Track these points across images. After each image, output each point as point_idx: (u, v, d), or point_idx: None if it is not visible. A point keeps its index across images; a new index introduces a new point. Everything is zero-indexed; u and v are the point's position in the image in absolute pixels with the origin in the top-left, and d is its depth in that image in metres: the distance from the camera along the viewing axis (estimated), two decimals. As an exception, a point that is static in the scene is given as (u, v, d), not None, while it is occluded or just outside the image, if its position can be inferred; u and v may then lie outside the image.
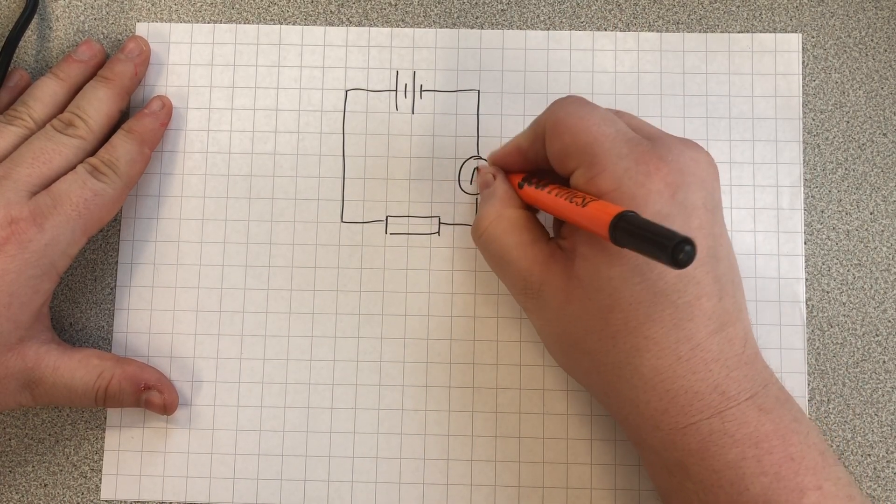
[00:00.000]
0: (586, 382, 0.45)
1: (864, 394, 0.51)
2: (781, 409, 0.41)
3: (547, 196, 0.44)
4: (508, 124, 0.53)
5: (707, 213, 0.41)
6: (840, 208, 0.53)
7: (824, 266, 0.52)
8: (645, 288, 0.40)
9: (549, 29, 0.54)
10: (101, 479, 0.51)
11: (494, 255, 0.46)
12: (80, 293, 0.53)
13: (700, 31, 0.54)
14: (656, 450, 0.42)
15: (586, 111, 0.43)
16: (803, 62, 0.54)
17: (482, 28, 0.54)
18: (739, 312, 0.42)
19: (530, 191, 0.46)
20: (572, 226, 0.44)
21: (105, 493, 0.51)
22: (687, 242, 0.33)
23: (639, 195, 0.40)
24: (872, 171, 0.53)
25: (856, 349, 0.51)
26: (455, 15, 0.55)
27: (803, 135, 0.53)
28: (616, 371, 0.42)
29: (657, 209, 0.40)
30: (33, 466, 0.51)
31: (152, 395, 0.49)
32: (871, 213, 0.52)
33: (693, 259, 0.34)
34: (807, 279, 0.52)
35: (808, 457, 0.40)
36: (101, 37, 0.55)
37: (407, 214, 0.53)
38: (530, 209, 0.47)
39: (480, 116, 0.53)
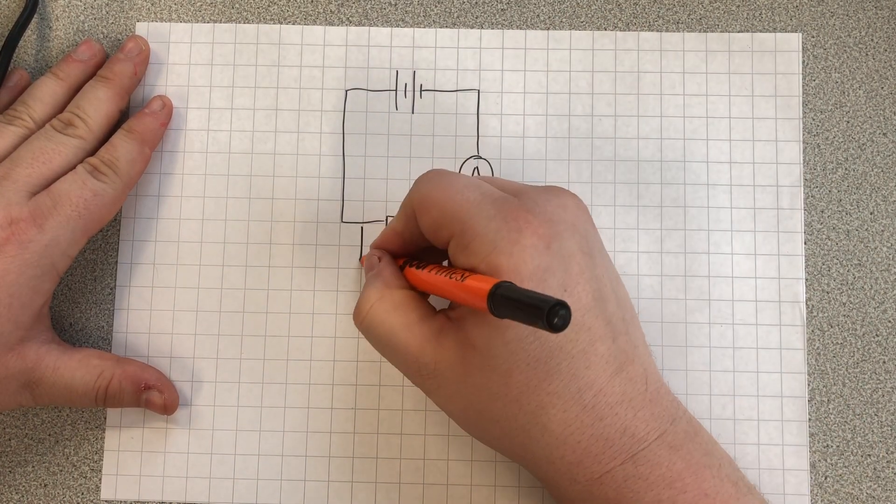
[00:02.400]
0: (501, 448, 0.44)
1: (864, 394, 0.51)
2: (691, 444, 0.41)
3: (427, 275, 0.44)
4: (508, 124, 0.53)
5: (585, 257, 0.41)
6: (840, 208, 0.52)
7: (824, 266, 0.52)
8: (539, 345, 0.40)
9: (548, 28, 0.54)
10: (100, 480, 0.51)
11: (381, 339, 0.44)
12: (80, 293, 0.53)
13: (700, 31, 0.54)
14: (575, 502, 0.42)
15: (448, 181, 0.43)
16: (803, 62, 0.54)
17: (482, 28, 0.54)
18: (636, 349, 0.42)
19: (412, 272, 0.46)
20: None
21: (105, 494, 0.51)
22: (561, 306, 0.34)
23: (515, 252, 0.39)
24: (872, 170, 0.53)
25: (856, 349, 0.51)
26: (455, 14, 0.55)
27: (803, 135, 0.53)
28: (526, 433, 0.41)
29: (535, 264, 0.40)
30: (33, 466, 0.51)
31: (152, 395, 0.49)
32: (871, 213, 0.52)
33: (569, 322, 0.34)
34: (807, 279, 0.52)
35: (721, 490, 0.40)
36: (101, 36, 0.55)
37: (407, 214, 0.53)
38: (416, 290, 0.46)
39: (480, 116, 0.53)
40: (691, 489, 0.40)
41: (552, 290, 0.40)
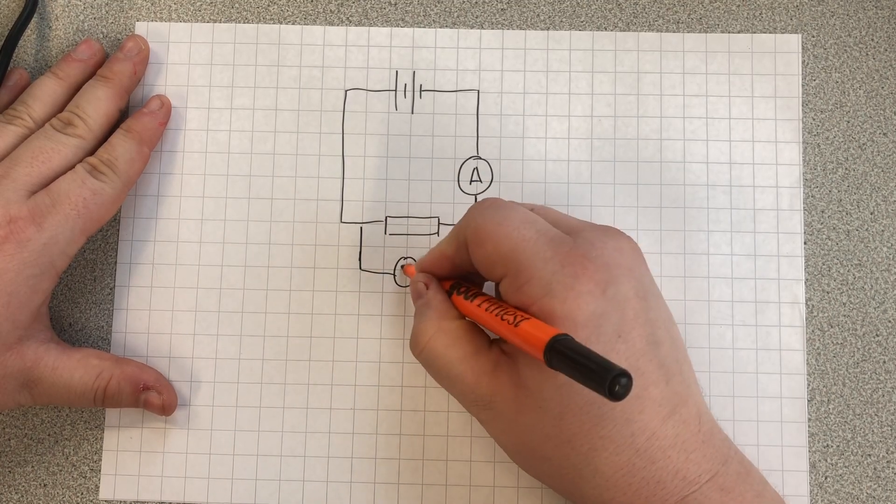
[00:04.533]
0: (551, 484, 0.44)
1: (864, 394, 0.51)
2: (743, 485, 0.41)
3: (477, 309, 0.44)
4: (508, 124, 0.53)
5: (640, 301, 0.41)
6: (840, 208, 0.52)
7: (824, 266, 0.52)
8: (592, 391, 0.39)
9: (548, 29, 0.54)
10: (99, 480, 0.51)
11: (439, 371, 0.45)
12: (80, 293, 0.53)
13: (700, 31, 0.54)
14: None
15: (503, 215, 0.43)
16: (803, 61, 0.54)
17: (482, 28, 0.54)
18: (688, 389, 0.42)
19: (460, 300, 0.45)
20: None
21: (104, 493, 0.51)
22: (623, 375, 0.33)
23: (570, 298, 0.40)
24: (872, 170, 0.53)
25: (856, 349, 0.51)
26: (455, 14, 0.55)
27: (803, 134, 0.53)
28: (577, 473, 0.41)
29: (591, 309, 0.40)
30: (33, 466, 0.51)
31: (151, 396, 0.49)
32: (871, 213, 0.52)
33: (629, 391, 0.34)
34: (807, 279, 0.52)
35: None
36: (101, 36, 0.55)
37: (406, 215, 0.52)
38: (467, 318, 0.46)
39: (480, 116, 0.53)
40: None
41: (606, 335, 0.40)
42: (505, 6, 0.55)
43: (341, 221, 0.53)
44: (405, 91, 0.54)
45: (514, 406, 0.42)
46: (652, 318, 0.41)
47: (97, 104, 0.50)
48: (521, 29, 0.54)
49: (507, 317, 0.41)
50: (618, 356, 0.40)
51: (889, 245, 0.52)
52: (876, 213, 0.52)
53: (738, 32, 0.54)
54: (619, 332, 0.40)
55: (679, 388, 0.41)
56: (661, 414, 0.40)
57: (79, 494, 0.51)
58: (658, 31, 0.54)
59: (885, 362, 0.51)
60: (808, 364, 0.51)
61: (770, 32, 0.54)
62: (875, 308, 0.52)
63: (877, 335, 0.52)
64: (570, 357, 0.35)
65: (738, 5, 0.54)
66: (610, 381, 0.33)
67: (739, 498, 0.40)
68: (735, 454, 0.42)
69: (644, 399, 0.40)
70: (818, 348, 0.51)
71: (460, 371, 0.43)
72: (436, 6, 0.55)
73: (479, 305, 0.44)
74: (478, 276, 0.47)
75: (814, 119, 0.53)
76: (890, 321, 0.52)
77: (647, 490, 0.40)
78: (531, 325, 0.39)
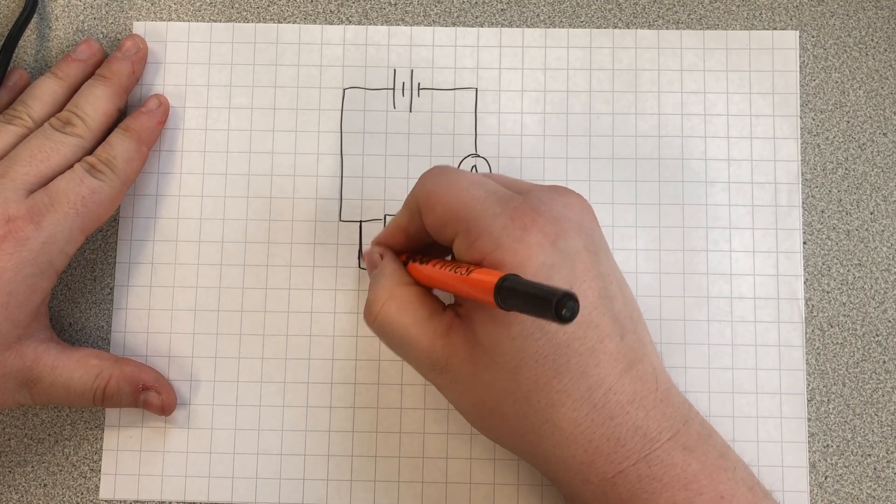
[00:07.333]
0: (512, 447, 0.44)
1: (864, 394, 0.51)
2: (706, 446, 0.41)
3: (431, 270, 0.44)
4: (506, 122, 0.53)
5: (590, 255, 0.41)
6: (840, 208, 0.52)
7: (824, 266, 0.52)
8: (547, 342, 0.40)
9: (547, 27, 0.54)
10: (100, 479, 0.51)
11: (393, 338, 0.44)
12: (79, 293, 0.53)
13: (699, 30, 0.54)
14: (589, 503, 0.42)
15: (453, 178, 0.43)
16: (803, 61, 0.54)
17: (480, 26, 0.54)
18: (644, 348, 0.42)
19: (416, 267, 0.46)
20: None
21: (104, 493, 0.51)
22: (569, 297, 0.33)
23: (520, 250, 0.40)
24: (872, 170, 0.53)
25: (856, 349, 0.51)
26: (455, 14, 0.55)
27: (803, 134, 0.53)
28: (537, 431, 0.41)
29: (541, 261, 0.39)
30: (33, 466, 0.51)
31: (150, 396, 0.49)
32: (871, 213, 0.52)
33: (577, 313, 0.33)
34: (807, 279, 0.52)
35: (738, 493, 0.40)
36: (100, 36, 0.55)
37: (405, 213, 0.53)
38: (422, 286, 0.46)
39: (478, 115, 0.53)
40: (707, 491, 0.39)
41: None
42: (504, 6, 0.55)
43: (340, 220, 0.53)
44: (403, 89, 0.54)
45: (470, 366, 0.42)
46: (603, 272, 0.42)
47: (96, 103, 0.50)
48: (519, 27, 0.54)
49: (458, 269, 0.41)
50: None
51: (889, 245, 0.52)
52: (876, 212, 0.52)
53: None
54: (570, 284, 0.40)
55: (634, 344, 0.41)
56: (618, 368, 0.40)
57: (79, 494, 0.51)
58: (657, 30, 0.54)
59: (885, 362, 0.51)
60: (808, 364, 0.51)
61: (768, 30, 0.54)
62: (875, 308, 0.52)
63: (877, 335, 0.51)
64: (519, 291, 0.36)
65: (738, 5, 0.54)
66: (556, 303, 0.33)
67: (703, 457, 0.40)
68: (696, 416, 0.42)
69: (599, 352, 0.40)
70: (818, 348, 0.51)
71: (414, 335, 0.43)
72: (435, 6, 0.55)
73: (432, 266, 0.44)
74: (433, 249, 0.47)
75: (813, 119, 0.53)
76: (890, 321, 0.52)
77: (607, 447, 0.40)
78: (481, 272, 0.39)
